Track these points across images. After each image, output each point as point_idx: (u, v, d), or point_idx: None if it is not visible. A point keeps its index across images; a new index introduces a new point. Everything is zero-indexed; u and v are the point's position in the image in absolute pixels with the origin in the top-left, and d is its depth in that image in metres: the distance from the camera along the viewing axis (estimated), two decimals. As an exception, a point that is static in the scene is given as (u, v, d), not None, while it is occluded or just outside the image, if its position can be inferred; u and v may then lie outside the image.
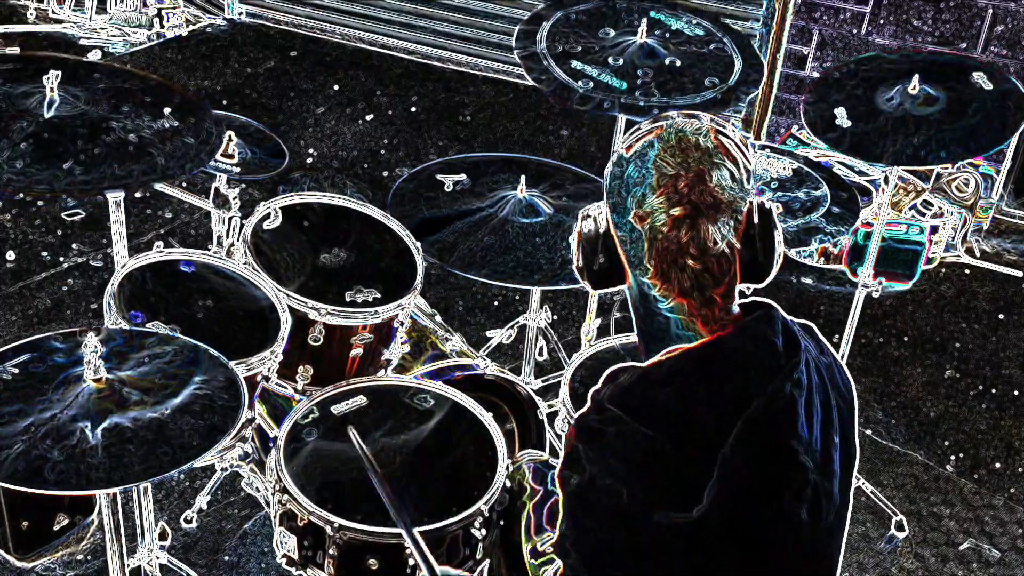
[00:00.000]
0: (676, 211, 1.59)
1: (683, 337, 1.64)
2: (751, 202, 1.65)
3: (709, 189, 1.59)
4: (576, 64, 3.12)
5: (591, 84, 3.06)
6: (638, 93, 3.04)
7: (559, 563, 1.71)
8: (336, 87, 5.61)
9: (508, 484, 2.37)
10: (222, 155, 2.95)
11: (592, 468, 1.59)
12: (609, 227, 1.68)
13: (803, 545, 1.65)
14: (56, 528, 2.85)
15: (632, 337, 2.88)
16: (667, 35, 3.25)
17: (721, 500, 1.55)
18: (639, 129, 1.67)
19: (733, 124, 1.71)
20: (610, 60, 3.13)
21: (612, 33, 3.23)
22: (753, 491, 1.58)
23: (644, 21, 3.20)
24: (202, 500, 3.18)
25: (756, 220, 1.65)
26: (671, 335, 1.65)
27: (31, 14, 5.93)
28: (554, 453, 2.65)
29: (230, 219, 3.00)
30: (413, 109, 5.49)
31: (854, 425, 1.76)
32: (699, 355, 1.61)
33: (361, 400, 2.58)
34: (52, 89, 2.59)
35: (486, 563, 2.36)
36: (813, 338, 1.75)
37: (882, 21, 4.89)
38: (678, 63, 3.16)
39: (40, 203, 4.50)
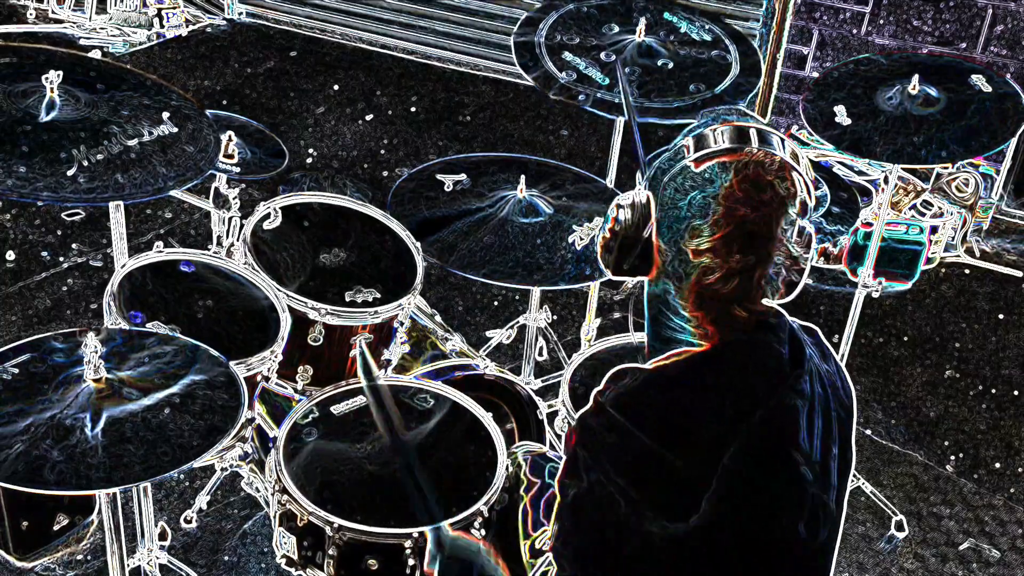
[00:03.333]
0: (733, 260, 1.52)
1: (693, 344, 1.62)
2: (804, 238, 1.59)
3: (772, 240, 1.53)
4: (567, 56, 3.14)
5: (574, 76, 3.09)
6: (616, 91, 3.07)
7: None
8: (336, 87, 5.62)
9: (506, 476, 2.37)
10: (222, 155, 2.96)
11: (590, 476, 1.57)
12: (652, 232, 1.61)
13: (799, 559, 1.64)
14: (56, 528, 2.85)
15: (631, 338, 2.89)
16: (672, 37, 3.25)
17: (720, 511, 1.53)
18: (709, 141, 1.56)
19: (800, 149, 1.61)
20: (602, 56, 3.15)
21: (616, 29, 3.24)
22: (753, 503, 1.56)
23: (642, 20, 3.21)
24: (202, 500, 3.18)
25: (806, 266, 1.60)
26: (681, 341, 1.63)
27: (31, 14, 5.93)
28: (552, 449, 2.65)
29: (230, 219, 3.00)
30: (413, 109, 5.49)
31: (851, 433, 1.75)
32: (703, 362, 1.59)
33: (361, 400, 2.58)
34: (52, 89, 2.58)
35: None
36: (816, 342, 1.74)
37: (882, 21, 4.89)
38: (671, 65, 3.16)
39: (40, 202, 4.50)
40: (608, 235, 1.65)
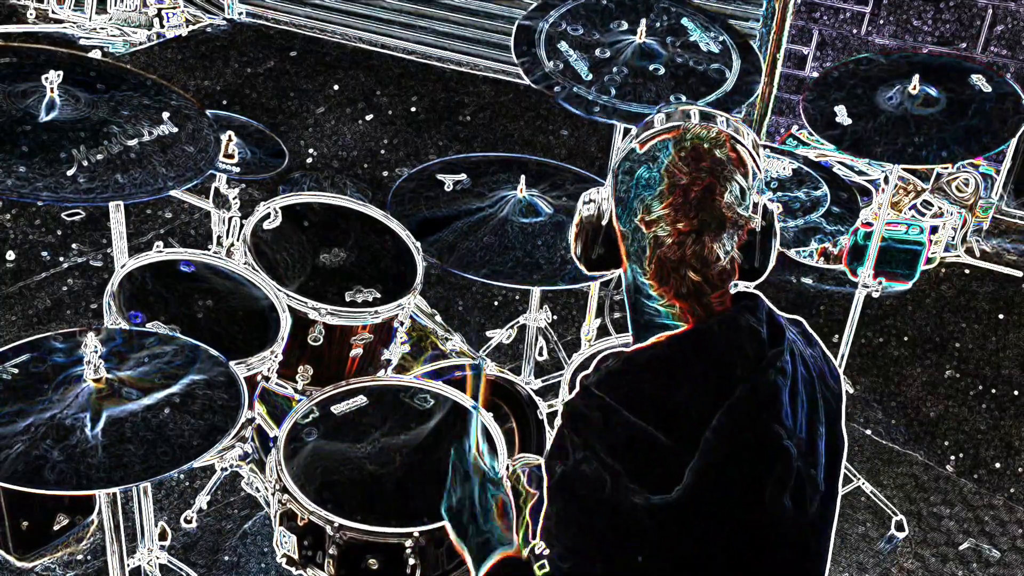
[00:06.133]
0: (681, 224, 1.59)
1: (672, 327, 1.65)
2: (757, 207, 1.65)
3: (718, 204, 1.58)
4: (562, 46, 3.13)
5: (561, 67, 3.08)
6: (594, 88, 3.05)
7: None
8: (336, 87, 5.62)
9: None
10: (222, 155, 2.96)
11: (576, 454, 1.60)
12: (612, 218, 1.68)
13: (787, 532, 1.65)
14: (56, 528, 2.85)
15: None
16: (678, 43, 3.23)
17: (702, 483, 1.55)
18: (654, 124, 1.66)
19: (746, 127, 1.70)
20: (597, 52, 3.13)
21: (625, 26, 3.22)
22: (735, 476, 1.58)
23: (643, 22, 3.20)
24: (202, 500, 3.19)
25: (758, 228, 1.66)
26: (660, 325, 1.66)
27: (31, 14, 5.93)
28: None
29: (230, 219, 3.00)
30: (413, 109, 5.50)
31: (841, 417, 1.77)
32: (683, 342, 1.63)
33: (361, 400, 2.58)
34: (52, 89, 2.58)
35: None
36: (802, 332, 1.76)
37: (882, 21, 4.89)
38: (661, 70, 3.14)
39: (40, 202, 4.50)
40: (575, 229, 1.73)
